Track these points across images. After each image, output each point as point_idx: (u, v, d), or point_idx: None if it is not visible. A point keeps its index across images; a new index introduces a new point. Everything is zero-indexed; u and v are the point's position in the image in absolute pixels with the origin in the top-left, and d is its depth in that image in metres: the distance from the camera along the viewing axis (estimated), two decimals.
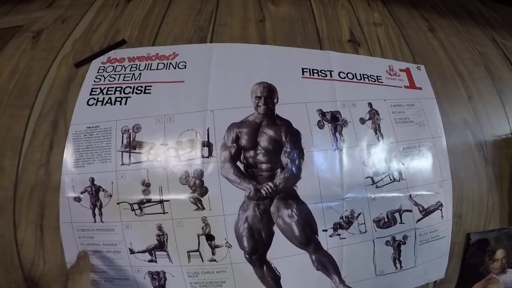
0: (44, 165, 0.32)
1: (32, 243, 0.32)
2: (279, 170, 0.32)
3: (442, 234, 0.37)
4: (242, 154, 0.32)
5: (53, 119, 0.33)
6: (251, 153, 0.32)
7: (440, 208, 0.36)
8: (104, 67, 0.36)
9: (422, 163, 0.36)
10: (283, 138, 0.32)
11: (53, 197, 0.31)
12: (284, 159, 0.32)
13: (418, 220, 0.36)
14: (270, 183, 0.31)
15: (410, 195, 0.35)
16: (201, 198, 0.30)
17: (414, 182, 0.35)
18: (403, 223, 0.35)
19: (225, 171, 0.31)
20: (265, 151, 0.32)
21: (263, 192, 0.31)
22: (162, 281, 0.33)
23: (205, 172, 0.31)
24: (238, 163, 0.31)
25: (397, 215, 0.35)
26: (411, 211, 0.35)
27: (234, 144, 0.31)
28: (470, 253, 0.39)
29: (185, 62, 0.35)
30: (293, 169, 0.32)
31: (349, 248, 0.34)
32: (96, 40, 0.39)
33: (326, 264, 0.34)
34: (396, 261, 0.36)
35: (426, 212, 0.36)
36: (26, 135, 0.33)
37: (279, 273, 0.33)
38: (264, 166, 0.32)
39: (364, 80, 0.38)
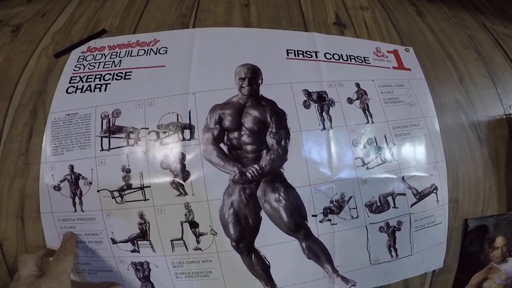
0: (23, 154, 0.33)
1: (14, 235, 0.33)
2: (264, 151, 0.32)
3: (438, 220, 0.37)
4: (226, 136, 0.32)
5: (32, 108, 0.34)
6: (235, 134, 0.32)
7: (435, 191, 0.36)
8: (84, 56, 0.37)
9: (414, 143, 0.36)
10: (268, 119, 0.33)
11: (33, 187, 0.32)
12: (270, 140, 0.32)
13: (412, 205, 0.36)
14: (255, 166, 0.31)
15: (403, 177, 0.35)
16: (183, 183, 0.31)
17: (407, 163, 0.35)
18: (397, 208, 0.35)
19: (208, 153, 0.31)
20: (250, 132, 0.32)
21: (249, 175, 0.31)
22: (146, 272, 0.33)
23: (187, 155, 0.31)
24: (222, 145, 0.32)
25: (390, 199, 0.35)
26: (404, 194, 0.35)
27: (217, 126, 0.32)
28: (468, 240, 0.39)
29: (166, 48, 0.36)
30: (279, 150, 0.32)
31: (341, 235, 0.34)
32: (76, 32, 0.40)
33: (317, 252, 0.34)
34: (392, 248, 0.36)
35: (420, 196, 0.36)
36: (5, 126, 0.34)
37: (268, 262, 0.33)
38: (249, 147, 0.32)
39: (350, 61, 0.38)
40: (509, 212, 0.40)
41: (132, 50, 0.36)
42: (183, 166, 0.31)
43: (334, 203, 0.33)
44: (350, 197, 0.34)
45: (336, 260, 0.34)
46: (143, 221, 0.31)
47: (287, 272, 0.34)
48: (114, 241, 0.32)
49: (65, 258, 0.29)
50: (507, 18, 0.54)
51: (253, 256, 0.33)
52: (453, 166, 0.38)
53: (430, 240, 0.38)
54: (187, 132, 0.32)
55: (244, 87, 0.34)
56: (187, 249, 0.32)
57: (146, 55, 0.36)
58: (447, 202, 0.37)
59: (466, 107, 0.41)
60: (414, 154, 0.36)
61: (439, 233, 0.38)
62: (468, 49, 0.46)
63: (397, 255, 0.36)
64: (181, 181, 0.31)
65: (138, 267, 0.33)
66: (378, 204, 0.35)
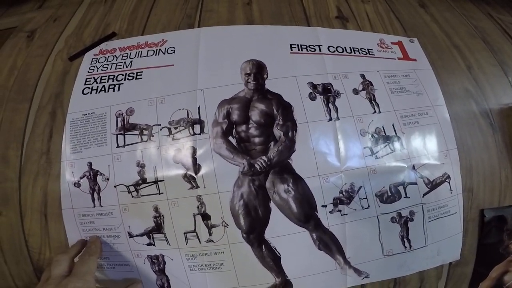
0: (45, 153, 0.36)
1: (38, 232, 0.37)
2: (272, 143, 0.35)
3: (452, 210, 0.38)
4: (234, 129, 0.35)
5: (52, 109, 0.38)
6: (243, 127, 0.35)
7: (447, 180, 0.38)
8: (97, 58, 0.41)
9: (423, 131, 0.38)
10: (275, 111, 0.36)
11: (54, 184, 0.36)
12: (277, 131, 0.35)
13: (424, 194, 0.37)
14: (264, 157, 0.34)
15: (414, 166, 0.37)
16: (195, 176, 0.34)
17: (417, 152, 0.37)
18: (408, 198, 0.37)
19: (218, 146, 0.34)
20: (257, 124, 0.35)
21: (257, 167, 0.34)
22: (161, 265, 0.36)
23: (197, 149, 0.34)
24: (230, 138, 0.35)
25: (401, 188, 0.37)
26: (416, 184, 0.37)
27: (226, 120, 0.35)
28: (486, 231, 0.40)
29: (174, 47, 0.40)
30: (287, 141, 0.35)
31: (352, 226, 0.36)
32: (87, 35, 0.44)
33: (328, 243, 0.36)
34: (405, 239, 0.37)
35: (432, 185, 0.37)
36: (27, 127, 0.38)
37: (279, 253, 0.35)
38: (257, 139, 0.35)
39: (354, 53, 0.41)
40: None
41: (141, 51, 0.40)
42: (195, 159, 0.34)
43: (344, 193, 0.35)
44: (360, 187, 0.36)
45: (347, 251, 0.36)
46: (157, 215, 0.35)
47: (298, 264, 0.36)
48: (130, 235, 0.35)
49: (90, 258, 0.32)
50: None
51: (263, 248, 0.35)
52: (466, 154, 0.39)
53: (445, 231, 0.39)
54: (197, 127, 0.35)
55: (250, 82, 0.37)
56: (199, 242, 0.35)
57: (155, 55, 0.39)
58: (461, 192, 0.38)
59: (476, 95, 0.42)
60: (424, 142, 0.38)
61: (454, 224, 0.39)
62: (475, 39, 0.47)
63: (410, 246, 0.38)
64: (193, 174, 0.34)
65: (154, 260, 0.36)
66: (389, 194, 0.37)
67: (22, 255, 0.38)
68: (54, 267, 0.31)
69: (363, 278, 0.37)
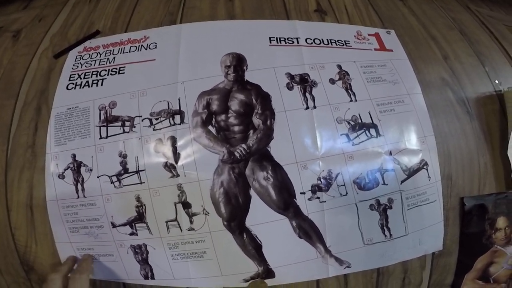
0: (30, 147, 0.41)
1: (24, 225, 0.41)
2: (251, 131, 0.39)
3: (432, 198, 0.42)
4: (214, 119, 0.40)
5: (37, 105, 0.43)
6: (223, 117, 0.40)
7: (425, 167, 0.42)
8: (81, 55, 0.46)
9: (399, 119, 0.42)
10: (254, 101, 0.40)
11: (39, 177, 0.40)
12: (256, 120, 0.40)
13: (402, 181, 0.41)
14: (243, 145, 0.39)
15: (390, 152, 0.41)
16: (175, 165, 0.38)
17: (393, 138, 0.41)
18: (386, 185, 0.41)
19: (197, 135, 0.39)
20: (237, 114, 0.40)
21: (237, 155, 0.38)
22: (144, 255, 0.40)
23: (178, 138, 0.39)
24: (210, 128, 0.39)
25: (378, 175, 0.41)
26: (393, 170, 0.41)
27: (205, 110, 0.40)
28: (467, 220, 0.44)
29: (156, 43, 0.45)
30: (265, 129, 0.39)
31: (331, 213, 0.40)
32: (72, 34, 0.50)
33: (308, 231, 0.40)
34: (384, 228, 0.41)
35: (410, 172, 0.41)
36: (13, 122, 0.43)
37: (260, 241, 0.39)
38: (236, 128, 0.39)
39: (331, 44, 0.46)
40: (509, 190, 0.44)
41: (124, 47, 0.45)
42: (175, 149, 0.38)
43: (322, 180, 0.39)
44: (338, 174, 0.40)
45: (328, 239, 0.40)
46: (139, 204, 0.39)
47: (279, 252, 0.40)
48: (114, 225, 0.39)
49: (81, 276, 0.36)
50: (492, 1, 0.61)
51: (245, 235, 0.39)
52: (443, 141, 0.43)
53: (425, 219, 0.42)
54: (177, 118, 0.39)
55: (230, 74, 0.42)
56: (181, 230, 0.39)
57: (138, 51, 0.45)
58: (439, 179, 0.42)
59: (452, 84, 0.47)
60: (401, 129, 0.42)
61: (434, 212, 0.43)
62: (452, 30, 0.52)
63: (391, 235, 0.41)
64: (173, 163, 0.38)
65: (137, 250, 0.40)
66: (367, 180, 0.41)
67: (9, 249, 0.42)
68: (50, 287, 0.35)
69: (344, 268, 0.41)
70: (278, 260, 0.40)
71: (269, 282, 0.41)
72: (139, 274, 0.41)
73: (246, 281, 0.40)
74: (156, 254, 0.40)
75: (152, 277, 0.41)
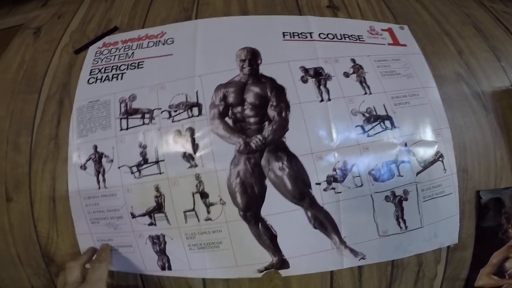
0: (53, 138, 0.43)
1: (46, 216, 0.43)
2: (266, 123, 0.41)
3: (447, 190, 0.43)
4: (230, 111, 0.41)
5: (59, 98, 0.45)
6: (239, 109, 0.41)
7: (440, 159, 0.43)
8: (101, 51, 0.48)
9: (414, 111, 0.43)
10: (269, 94, 0.42)
11: (62, 168, 0.42)
12: (271, 112, 0.41)
13: (418, 173, 0.42)
14: (259, 136, 0.40)
15: (406, 143, 0.42)
16: (194, 155, 0.40)
17: (408, 130, 0.42)
18: (402, 176, 0.41)
19: (215, 127, 0.40)
20: (252, 106, 0.41)
21: (253, 145, 0.40)
22: (162, 245, 0.42)
23: (196, 130, 0.40)
24: (227, 119, 0.41)
25: (393, 166, 0.42)
26: (409, 162, 0.42)
27: (222, 102, 0.41)
28: (483, 214, 0.44)
29: (173, 38, 0.47)
30: (280, 120, 0.41)
31: (346, 204, 0.41)
32: (91, 30, 0.52)
33: (323, 221, 0.41)
34: (400, 220, 0.42)
35: (425, 164, 0.42)
36: (36, 115, 0.45)
37: (275, 231, 0.40)
38: (252, 119, 0.41)
39: (345, 39, 0.47)
40: None
41: (142, 43, 0.47)
42: (193, 139, 0.40)
43: (337, 171, 0.40)
44: (353, 165, 0.41)
45: (343, 230, 0.41)
46: (158, 194, 0.41)
47: (294, 242, 0.41)
48: (133, 215, 0.41)
49: (100, 265, 0.38)
50: None
51: (260, 225, 0.40)
52: (458, 134, 0.44)
53: (441, 212, 0.43)
54: (195, 110, 0.41)
55: (245, 67, 0.43)
56: (198, 220, 0.40)
57: (155, 46, 0.47)
58: (455, 172, 0.43)
59: (467, 78, 0.47)
60: (416, 121, 0.43)
61: (450, 205, 0.43)
62: (466, 26, 0.53)
63: (406, 227, 0.42)
64: (192, 153, 0.40)
65: (155, 240, 0.42)
66: (382, 172, 0.42)
67: (31, 241, 0.44)
68: (68, 274, 0.37)
69: (359, 259, 0.42)
70: (293, 251, 0.41)
71: (283, 272, 0.42)
72: (156, 265, 0.42)
73: (260, 271, 0.41)
74: (173, 245, 0.41)
75: (169, 268, 0.42)
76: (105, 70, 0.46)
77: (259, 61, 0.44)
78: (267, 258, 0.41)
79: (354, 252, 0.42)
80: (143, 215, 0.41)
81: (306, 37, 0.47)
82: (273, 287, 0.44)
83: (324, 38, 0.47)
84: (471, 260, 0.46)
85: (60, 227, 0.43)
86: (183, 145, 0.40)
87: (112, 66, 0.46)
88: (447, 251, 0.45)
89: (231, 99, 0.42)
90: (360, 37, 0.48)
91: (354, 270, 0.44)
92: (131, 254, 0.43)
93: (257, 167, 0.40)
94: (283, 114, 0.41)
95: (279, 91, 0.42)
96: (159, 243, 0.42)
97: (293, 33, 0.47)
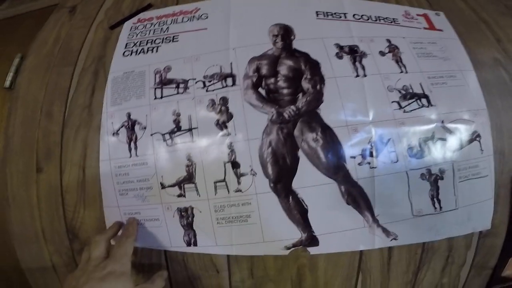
0: (87, 107, 0.44)
1: (75, 187, 0.43)
2: (300, 94, 0.41)
3: (484, 172, 0.42)
4: (264, 82, 0.42)
5: (94, 70, 0.47)
6: (272, 80, 0.42)
7: (478, 139, 0.41)
8: (136, 26, 0.49)
9: (451, 91, 0.42)
10: (303, 67, 0.42)
11: (94, 135, 0.43)
12: (306, 84, 0.41)
13: (454, 151, 0.41)
14: (292, 106, 0.40)
15: (442, 121, 0.41)
16: (227, 124, 0.40)
17: (445, 109, 0.41)
18: (438, 154, 0.40)
19: (248, 97, 0.41)
20: (285, 78, 0.42)
21: (286, 115, 0.40)
22: (190, 219, 0.41)
23: (229, 99, 0.41)
24: (260, 90, 0.41)
25: (430, 143, 0.41)
26: (445, 139, 0.41)
27: (256, 74, 0.42)
28: None
29: (207, 14, 0.48)
30: (315, 93, 0.40)
31: (381, 180, 0.40)
32: (125, 7, 0.54)
33: (356, 197, 0.40)
34: (435, 199, 0.41)
35: (462, 142, 0.41)
36: (71, 86, 0.46)
37: (306, 205, 0.40)
38: (285, 91, 0.41)
39: (380, 21, 0.47)
40: None
41: (177, 18, 0.48)
42: (227, 108, 0.40)
43: (373, 144, 0.40)
44: (389, 139, 0.40)
45: (376, 208, 0.40)
46: (190, 163, 0.41)
47: (325, 218, 0.40)
48: (163, 186, 0.41)
49: (127, 240, 0.38)
50: None
51: (290, 199, 0.40)
52: (496, 116, 0.43)
53: (476, 194, 0.42)
54: (229, 80, 0.42)
55: (277, 42, 0.44)
56: (228, 191, 0.40)
57: (190, 21, 0.48)
58: (492, 153, 0.42)
59: (506, 64, 0.46)
60: (453, 101, 0.42)
61: (485, 188, 0.42)
62: (504, 16, 0.52)
63: (440, 207, 0.41)
64: (225, 121, 0.40)
65: (183, 213, 0.41)
66: (418, 148, 0.41)
67: (58, 215, 0.45)
68: (93, 249, 0.36)
69: (391, 240, 0.41)
70: (323, 227, 0.40)
71: (311, 250, 0.41)
72: (182, 241, 0.42)
73: (288, 248, 0.41)
74: (201, 218, 0.41)
75: (195, 244, 0.42)
76: (140, 43, 0.47)
77: (292, 37, 0.44)
78: (296, 234, 0.40)
79: (386, 231, 0.41)
80: (173, 185, 0.41)
81: (340, 17, 0.47)
82: (298, 266, 0.43)
83: (359, 18, 0.47)
84: (501, 248, 0.44)
85: (88, 199, 0.44)
86: (217, 113, 0.40)
87: (147, 40, 0.47)
88: (478, 237, 0.44)
89: (264, 71, 0.42)
90: (395, 19, 0.47)
91: (383, 252, 0.42)
92: (157, 229, 0.42)
93: (290, 137, 0.40)
94: (318, 87, 0.41)
95: (314, 65, 0.42)
96: (187, 216, 0.42)
97: (326, 12, 0.47)
